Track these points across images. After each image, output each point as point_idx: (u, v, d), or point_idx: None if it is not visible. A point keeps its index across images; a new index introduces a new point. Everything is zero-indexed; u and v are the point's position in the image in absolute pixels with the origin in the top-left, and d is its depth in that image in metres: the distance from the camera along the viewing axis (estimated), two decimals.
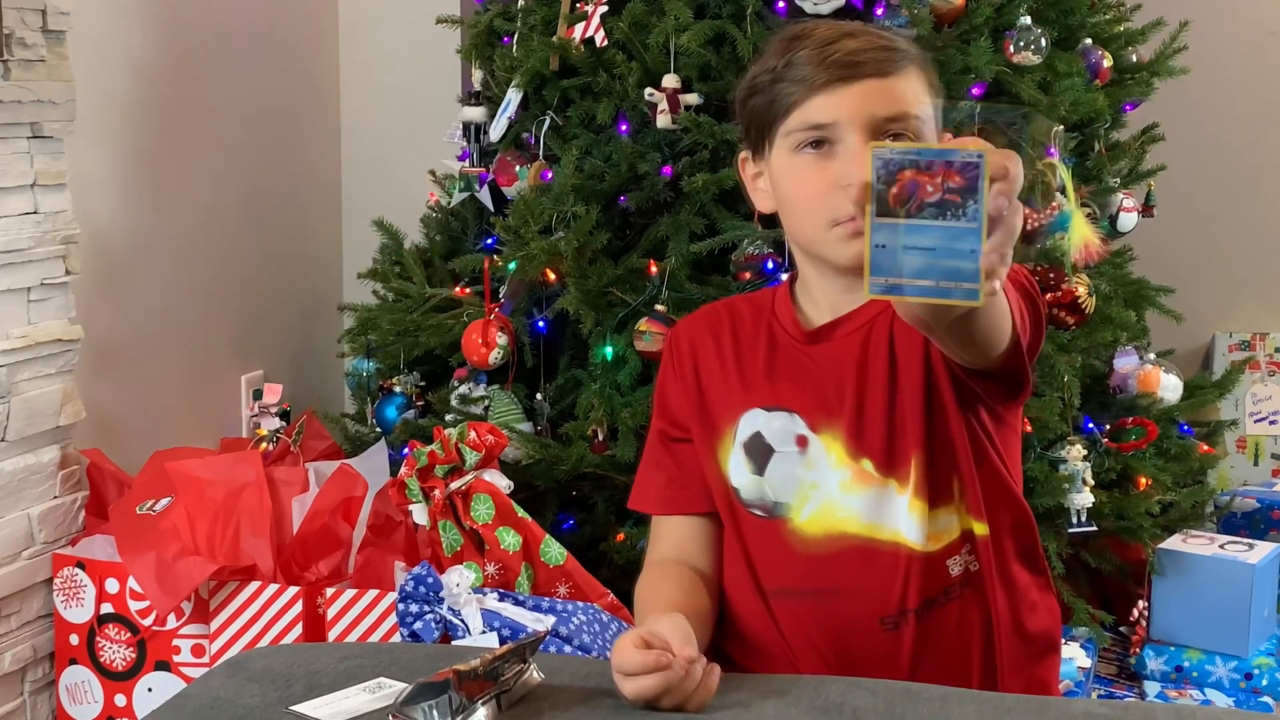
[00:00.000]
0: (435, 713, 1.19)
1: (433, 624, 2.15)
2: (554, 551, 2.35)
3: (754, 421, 1.50)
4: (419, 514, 2.38)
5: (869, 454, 1.45)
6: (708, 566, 1.55)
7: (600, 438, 2.60)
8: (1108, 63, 2.85)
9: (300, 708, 1.28)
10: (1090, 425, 2.69)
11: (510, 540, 2.33)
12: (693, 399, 1.55)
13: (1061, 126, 2.67)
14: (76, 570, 2.54)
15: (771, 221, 2.56)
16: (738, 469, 1.51)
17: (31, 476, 2.51)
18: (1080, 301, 2.60)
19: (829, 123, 1.41)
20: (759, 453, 1.50)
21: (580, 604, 2.26)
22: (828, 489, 1.46)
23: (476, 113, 3.00)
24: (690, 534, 1.56)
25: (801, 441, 1.48)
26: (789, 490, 1.48)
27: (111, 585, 2.52)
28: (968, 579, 1.47)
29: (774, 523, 1.49)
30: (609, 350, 2.63)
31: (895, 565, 1.44)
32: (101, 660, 2.55)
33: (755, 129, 1.49)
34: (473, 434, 2.36)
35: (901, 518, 1.44)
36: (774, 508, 1.49)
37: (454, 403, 2.78)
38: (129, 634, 2.53)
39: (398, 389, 2.91)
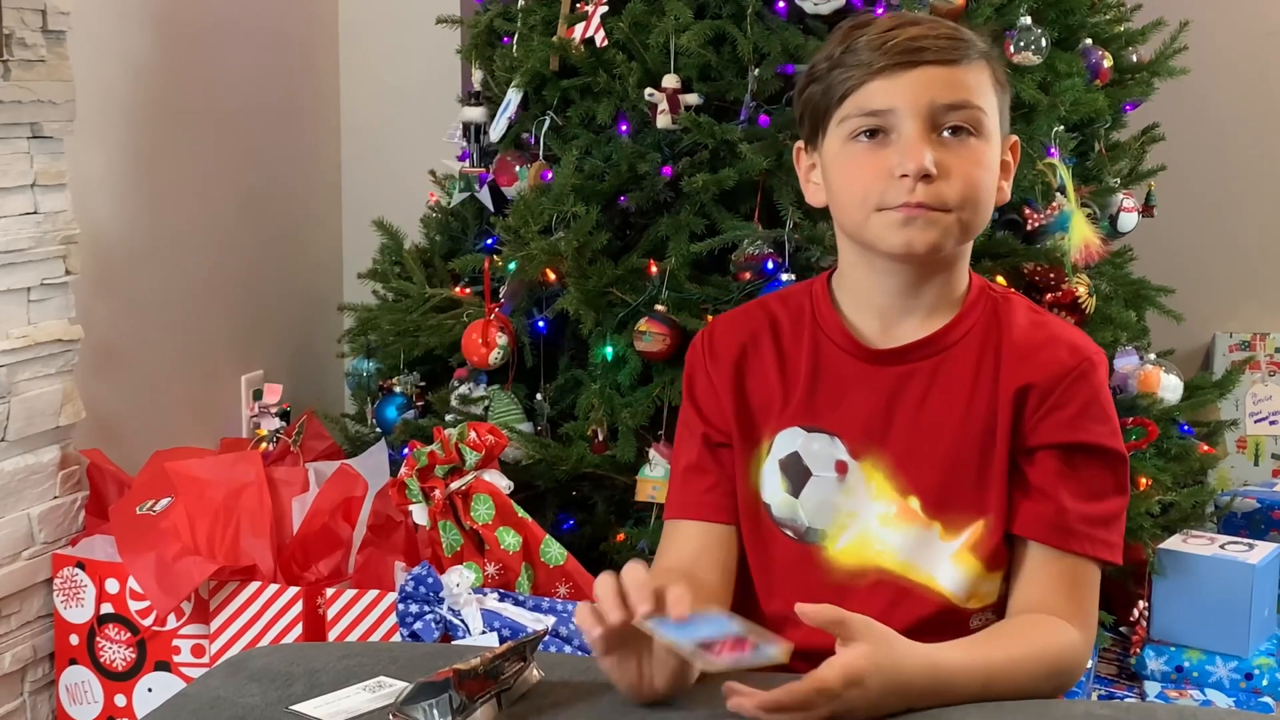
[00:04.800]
0: (435, 712, 1.19)
1: (433, 624, 2.15)
2: (554, 551, 2.35)
3: (792, 440, 1.43)
4: (419, 514, 2.38)
5: (919, 492, 1.39)
6: (720, 581, 1.46)
7: (600, 438, 2.60)
8: (1108, 63, 2.85)
9: (300, 707, 1.27)
10: None
11: (510, 540, 2.33)
12: (734, 405, 1.47)
13: None
14: (76, 570, 2.54)
15: (772, 222, 2.59)
16: (771, 485, 1.44)
17: (31, 476, 2.51)
18: (1080, 301, 2.60)
19: (886, 109, 1.35)
20: (796, 474, 1.43)
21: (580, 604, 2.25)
22: (866, 520, 1.41)
23: (476, 113, 2.99)
24: (712, 543, 1.47)
25: (841, 468, 1.41)
26: (825, 517, 1.42)
27: (111, 585, 2.52)
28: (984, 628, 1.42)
29: (806, 548, 1.43)
30: (609, 350, 2.63)
31: (922, 608, 1.39)
32: (101, 660, 2.55)
33: (810, 117, 1.43)
34: (473, 434, 2.36)
35: (942, 565, 1.39)
36: (806, 533, 1.43)
37: (454, 403, 2.78)
38: (129, 634, 2.53)
39: (398, 389, 2.91)
